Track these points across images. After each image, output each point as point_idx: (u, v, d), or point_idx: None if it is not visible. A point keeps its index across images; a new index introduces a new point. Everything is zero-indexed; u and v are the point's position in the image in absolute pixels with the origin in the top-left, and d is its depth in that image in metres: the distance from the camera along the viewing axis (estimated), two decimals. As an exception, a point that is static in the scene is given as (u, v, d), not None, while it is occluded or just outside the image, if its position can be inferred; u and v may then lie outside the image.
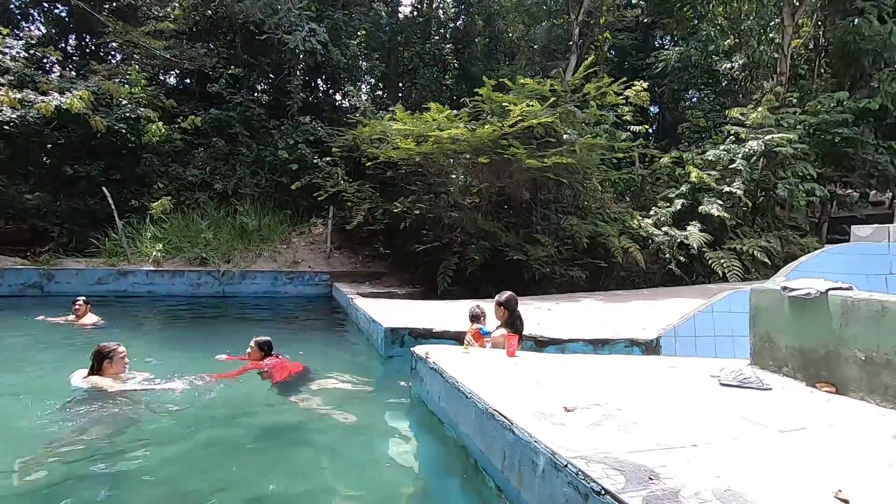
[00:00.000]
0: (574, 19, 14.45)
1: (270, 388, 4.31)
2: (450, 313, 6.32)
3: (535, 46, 19.08)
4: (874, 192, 17.04)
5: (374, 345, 5.62)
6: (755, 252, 10.49)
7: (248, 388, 4.33)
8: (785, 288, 3.15)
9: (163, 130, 10.98)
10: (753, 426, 2.31)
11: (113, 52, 13.76)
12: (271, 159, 12.38)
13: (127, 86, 11.23)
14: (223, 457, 3.18)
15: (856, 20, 12.65)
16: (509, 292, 4.29)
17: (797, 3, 13.32)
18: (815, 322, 2.97)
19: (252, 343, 4.80)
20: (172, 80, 14.77)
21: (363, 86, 17.38)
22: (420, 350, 3.84)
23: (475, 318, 4.55)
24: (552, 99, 9.24)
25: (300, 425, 3.70)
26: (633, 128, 12.47)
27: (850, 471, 1.84)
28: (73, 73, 12.87)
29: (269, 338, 4.88)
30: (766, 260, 10.47)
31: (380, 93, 18.04)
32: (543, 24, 18.28)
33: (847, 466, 1.88)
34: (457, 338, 4.79)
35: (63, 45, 14.11)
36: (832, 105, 12.08)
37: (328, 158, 11.86)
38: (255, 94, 13.75)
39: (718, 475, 1.77)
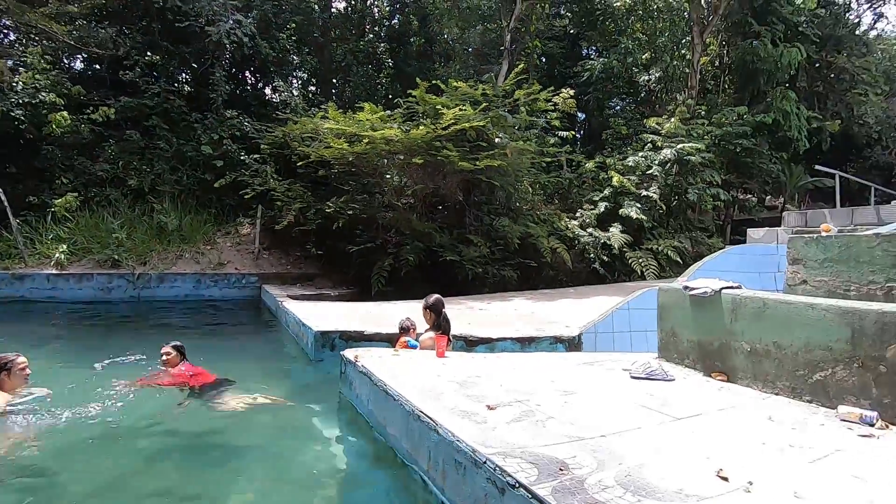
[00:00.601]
0: (506, 25, 14.85)
1: (189, 395, 4.10)
2: (383, 315, 6.31)
3: (470, 50, 19.41)
4: (769, 197, 19.02)
5: (304, 349, 5.49)
6: (669, 252, 11.36)
7: (164, 396, 4.09)
8: (686, 287, 3.46)
9: (68, 120, 10.03)
10: (656, 415, 2.53)
11: (5, 31, 12.37)
12: (193, 154, 11.68)
13: (23, 69, 10.14)
14: (142, 469, 3.01)
15: (753, 42, 14.04)
16: (436, 295, 4.40)
17: (705, 24, 14.55)
18: (711, 318, 3.29)
19: (168, 348, 4.48)
20: (79, 65, 13.51)
21: (294, 81, 16.85)
22: (349, 353, 3.82)
23: (404, 330, 4.56)
24: (484, 104, 9.46)
25: (224, 432, 3.56)
26: (561, 133, 13.03)
27: (732, 451, 2.07)
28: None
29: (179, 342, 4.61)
30: (679, 259, 11.36)
31: (312, 88, 17.56)
32: (477, 27, 18.64)
33: (730, 447, 2.11)
34: (389, 340, 4.80)
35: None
36: (734, 118, 13.32)
37: (256, 155, 11.40)
38: (176, 85, 12.90)
39: (621, 462, 1.93)
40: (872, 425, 2.32)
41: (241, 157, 11.42)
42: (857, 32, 19.98)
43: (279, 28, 13.82)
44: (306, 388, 4.71)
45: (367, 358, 3.64)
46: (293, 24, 13.94)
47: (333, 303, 7.95)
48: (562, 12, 18.14)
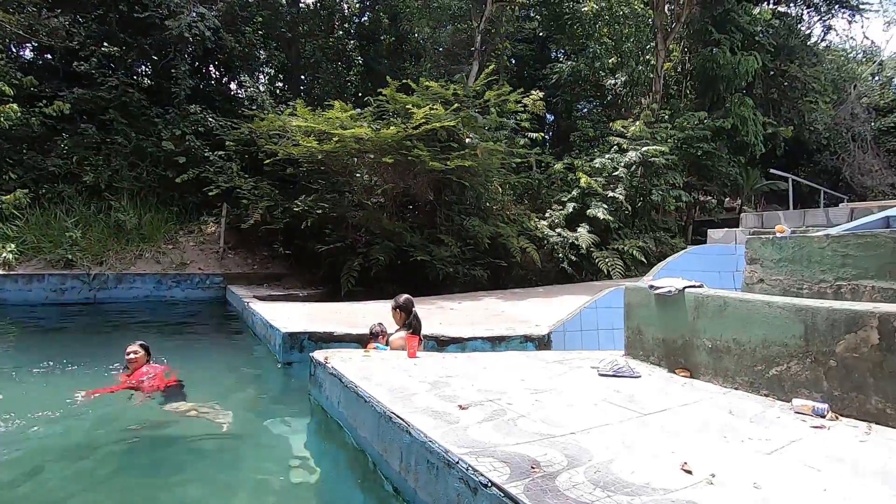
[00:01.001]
0: (476, 26, 14.93)
1: (152, 399, 3.95)
2: (353, 315, 6.25)
3: (440, 49, 19.42)
4: (728, 198, 19.80)
5: (272, 351, 5.37)
6: (634, 252, 11.66)
7: (124, 401, 3.93)
8: (652, 286, 3.56)
9: (18, 112, 9.48)
10: (624, 411, 2.59)
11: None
12: (154, 150, 11.26)
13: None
14: (96, 479, 2.87)
15: (713, 50, 14.58)
16: (406, 295, 4.40)
17: (668, 31, 15.01)
18: (675, 316, 3.40)
19: (135, 346, 4.28)
20: (29, 55, 12.81)
21: (261, 77, 16.47)
22: (319, 355, 3.76)
23: (374, 335, 4.51)
24: (455, 105, 9.48)
25: (191, 437, 3.45)
26: (530, 134, 13.19)
27: (695, 445, 2.14)
28: None
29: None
30: (643, 259, 11.67)
31: (280, 84, 17.20)
32: (448, 27, 18.67)
33: (694, 441, 2.19)
34: (359, 341, 4.76)
35: None
36: (695, 122, 13.79)
37: (221, 152, 11.07)
38: (135, 78, 12.40)
39: (591, 459, 1.96)
40: (824, 416, 2.44)
41: (205, 154, 11.07)
42: (808, 43, 21.03)
43: (245, 22, 13.47)
44: (275, 390, 4.61)
45: (338, 359, 3.59)
46: (260, 19, 13.60)
47: (302, 303, 7.81)
48: (531, 14, 18.37)
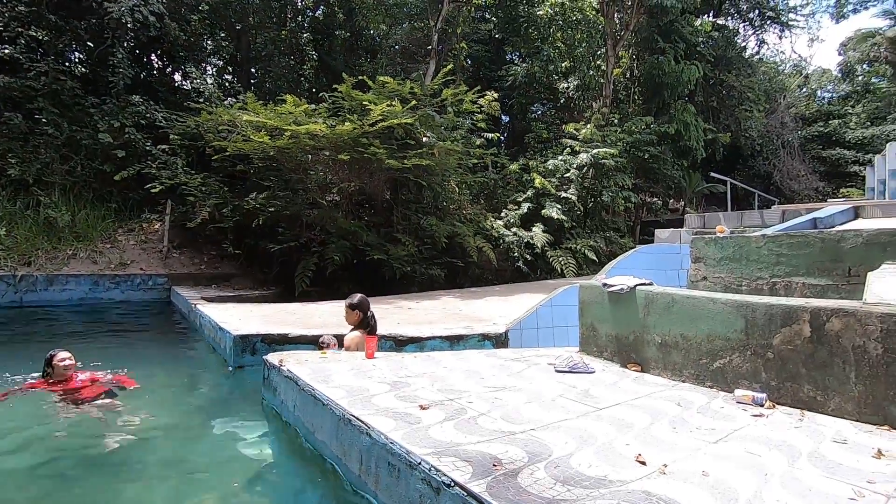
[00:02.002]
0: (433, 25, 14.92)
1: (84, 407, 3.70)
2: (308, 315, 6.10)
3: (396, 47, 19.28)
4: (672, 200, 20.83)
5: (222, 355, 5.15)
6: (586, 251, 12.04)
7: (51, 408, 3.65)
8: (605, 284, 3.68)
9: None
10: (580, 406, 2.66)
11: None
12: (89, 143, 10.53)
13: None
14: (29, 496, 2.65)
15: (659, 58, 15.25)
16: (360, 294, 4.34)
17: (617, 37, 15.58)
18: (626, 313, 3.52)
19: (65, 353, 4.04)
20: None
21: (208, 68, 15.74)
22: (273, 358, 3.64)
23: (325, 346, 4.40)
24: (413, 102, 9.43)
25: (134, 448, 3.25)
26: (486, 135, 13.34)
27: (648, 436, 2.23)
28: None
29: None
30: (595, 257, 12.07)
31: (228, 77, 16.52)
32: (404, 25, 18.56)
33: (646, 433, 2.27)
34: (315, 342, 4.64)
35: None
36: (642, 127, 14.39)
37: (165, 146, 10.49)
38: (67, 65, 11.55)
39: (550, 454, 2.00)
40: (762, 405, 2.60)
41: (147, 148, 10.47)
42: (744, 55, 22.44)
43: (191, 10, 12.85)
44: (226, 396, 4.42)
45: (293, 362, 3.49)
46: (206, 6, 13.00)
47: (254, 305, 7.54)
48: (487, 16, 18.57)
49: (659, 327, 3.30)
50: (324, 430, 2.73)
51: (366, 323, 4.28)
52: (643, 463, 1.93)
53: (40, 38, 10.77)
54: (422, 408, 2.56)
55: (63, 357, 4.04)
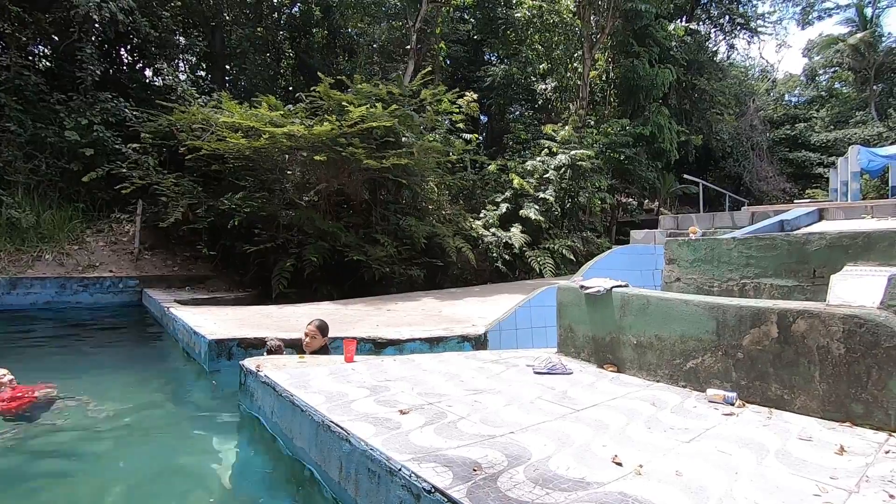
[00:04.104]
0: (412, 25, 14.89)
1: (20, 420, 3.59)
2: (286, 319, 6.02)
3: (374, 46, 19.19)
4: (647, 200, 21.26)
5: (197, 359, 5.05)
6: (564, 251, 12.19)
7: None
8: (582, 286, 3.73)
9: None
10: (558, 408, 2.70)
11: None
12: (55, 140, 10.17)
13: None
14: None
15: (634, 61, 15.54)
16: (320, 318, 4.30)
17: (594, 40, 15.82)
18: (603, 314, 3.59)
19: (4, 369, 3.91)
20: None
21: (181, 64, 15.38)
22: (250, 363, 3.58)
23: (271, 350, 4.31)
24: (393, 107, 9.36)
25: (108, 455, 3.16)
26: (465, 135, 13.38)
27: (624, 437, 2.28)
28: None
29: None
30: (572, 257, 12.23)
31: (202, 73, 16.18)
32: (382, 24, 18.48)
33: (622, 433, 2.32)
34: (293, 346, 4.58)
35: None
36: (618, 129, 14.65)
37: (136, 145, 10.20)
38: (31, 59, 11.13)
39: (529, 457, 2.03)
40: (733, 404, 2.69)
41: (117, 146, 10.16)
42: (715, 59, 23.05)
43: (162, 5, 12.52)
44: (201, 402, 4.33)
45: (270, 367, 3.44)
46: (178, 2, 12.68)
47: (229, 307, 7.40)
48: (466, 17, 18.62)
49: (634, 328, 3.37)
50: (303, 437, 2.71)
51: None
52: (619, 464, 1.97)
53: (2, 30, 10.36)
54: (402, 413, 2.56)
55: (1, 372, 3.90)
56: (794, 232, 4.95)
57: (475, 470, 1.89)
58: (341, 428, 2.35)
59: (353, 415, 2.52)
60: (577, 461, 2.00)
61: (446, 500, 1.70)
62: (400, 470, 1.92)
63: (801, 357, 2.52)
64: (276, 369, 3.39)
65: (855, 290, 2.64)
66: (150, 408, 4.12)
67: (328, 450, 2.43)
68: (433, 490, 1.76)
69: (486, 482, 1.80)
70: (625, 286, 3.62)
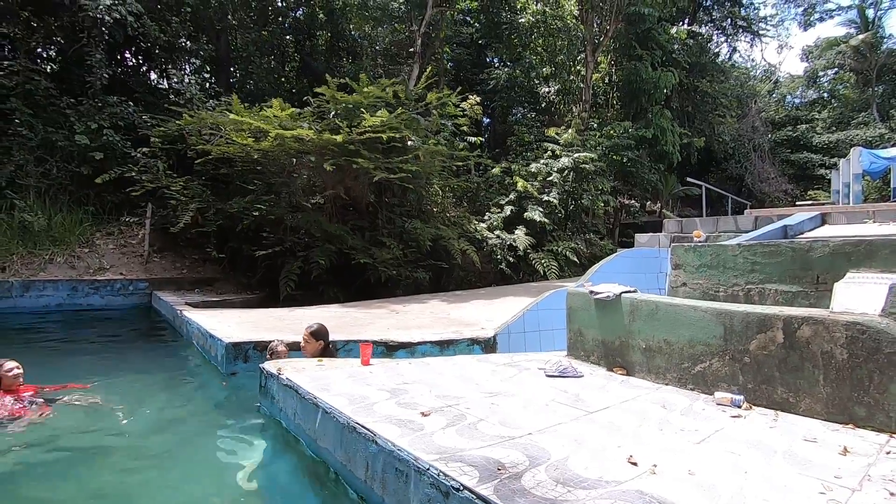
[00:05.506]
0: (417, 29, 15.01)
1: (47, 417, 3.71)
2: (298, 322, 6.12)
3: (378, 48, 19.30)
4: (649, 202, 21.36)
5: (213, 362, 5.16)
6: (567, 252, 12.31)
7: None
8: (592, 292, 3.84)
9: None
10: (572, 410, 2.81)
11: None
12: (66, 144, 10.30)
13: None
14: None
15: (636, 65, 15.65)
16: (318, 323, 4.38)
17: (597, 43, 15.93)
18: (612, 319, 3.70)
19: (7, 364, 4.04)
20: None
21: (187, 67, 15.51)
22: (271, 366, 3.70)
23: (273, 353, 4.40)
24: (400, 110, 9.47)
25: (132, 456, 3.28)
26: (469, 138, 13.50)
27: (637, 438, 2.39)
28: None
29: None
30: (576, 259, 12.35)
31: (207, 75, 16.29)
32: (385, 27, 18.60)
33: (635, 434, 2.43)
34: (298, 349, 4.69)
35: None
36: (621, 132, 14.76)
37: (145, 149, 10.33)
38: (39, 63, 11.25)
39: (549, 458, 2.14)
40: (740, 407, 2.80)
41: (126, 150, 10.29)
42: (717, 61, 23.15)
43: (170, 9, 12.64)
44: (221, 403, 4.44)
45: (291, 370, 3.55)
46: (188, 8, 12.80)
47: (240, 310, 7.52)
48: (469, 20, 18.74)
49: (643, 333, 3.48)
50: (327, 438, 2.82)
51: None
52: (634, 464, 2.08)
53: (11, 34, 10.48)
54: (423, 414, 2.67)
55: (10, 367, 4.04)
56: (798, 239, 5.06)
57: (499, 469, 2.00)
58: (367, 429, 2.46)
59: (377, 416, 2.64)
60: (594, 461, 2.12)
61: (475, 497, 1.81)
62: (428, 469, 2.03)
63: (806, 362, 2.63)
64: (296, 372, 3.50)
65: (857, 297, 2.75)
66: (170, 409, 4.23)
67: (354, 450, 2.54)
68: (461, 488, 1.87)
69: (511, 481, 1.91)
70: (633, 292, 3.73)
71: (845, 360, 2.49)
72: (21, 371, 4.09)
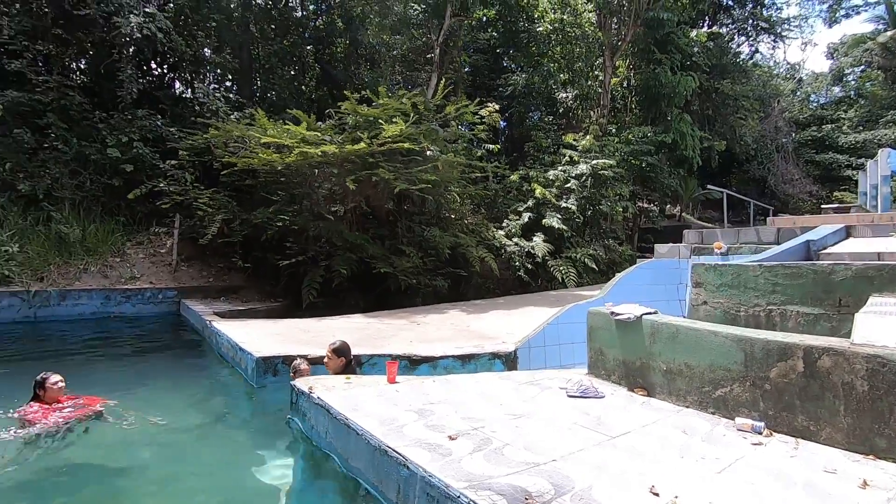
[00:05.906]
0: (436, 39, 15.15)
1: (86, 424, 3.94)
2: (322, 334, 6.31)
3: (395, 53, 19.48)
4: (668, 206, 21.14)
5: (243, 375, 5.37)
6: (586, 259, 12.30)
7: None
8: (613, 313, 3.92)
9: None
10: (594, 434, 2.89)
11: None
12: (98, 157, 10.70)
13: None
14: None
15: (656, 69, 15.54)
16: (341, 339, 4.49)
17: (615, 48, 15.86)
18: (633, 340, 3.76)
19: (53, 377, 4.29)
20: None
21: (210, 78, 15.92)
22: (302, 384, 3.85)
23: (295, 371, 4.53)
24: (416, 117, 9.62)
25: (164, 465, 3.46)
26: (487, 146, 13.58)
27: (659, 465, 2.47)
28: None
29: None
30: (594, 266, 12.34)
31: (229, 84, 16.69)
32: (403, 34, 18.77)
33: (657, 461, 2.51)
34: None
35: None
36: (640, 137, 14.67)
37: (174, 161, 10.67)
38: (72, 77, 11.70)
39: (573, 486, 2.24)
40: (761, 433, 2.85)
41: (155, 162, 10.66)
42: (738, 61, 22.77)
43: (197, 24, 13.01)
44: (251, 417, 4.63)
45: (321, 388, 3.70)
46: (213, 24, 13.15)
47: (267, 321, 7.75)
48: (487, 29, 18.80)
49: (664, 355, 3.54)
50: (359, 458, 2.95)
51: (351, 370, 4.38)
52: (656, 494, 2.17)
53: (46, 52, 10.92)
54: (451, 438, 2.79)
55: (56, 380, 4.31)
56: (821, 256, 5.04)
57: (527, 499, 2.10)
58: (399, 454, 2.59)
59: (407, 440, 2.76)
60: (617, 490, 2.20)
61: (504, 527, 1.92)
62: (458, 497, 2.15)
63: (827, 391, 2.67)
64: (326, 391, 3.65)
65: (879, 328, 2.78)
66: (202, 422, 4.43)
67: (386, 473, 2.67)
68: (491, 518, 1.98)
69: (538, 511, 2.02)
70: (654, 313, 3.79)
71: (866, 391, 2.53)
72: (64, 384, 4.34)
